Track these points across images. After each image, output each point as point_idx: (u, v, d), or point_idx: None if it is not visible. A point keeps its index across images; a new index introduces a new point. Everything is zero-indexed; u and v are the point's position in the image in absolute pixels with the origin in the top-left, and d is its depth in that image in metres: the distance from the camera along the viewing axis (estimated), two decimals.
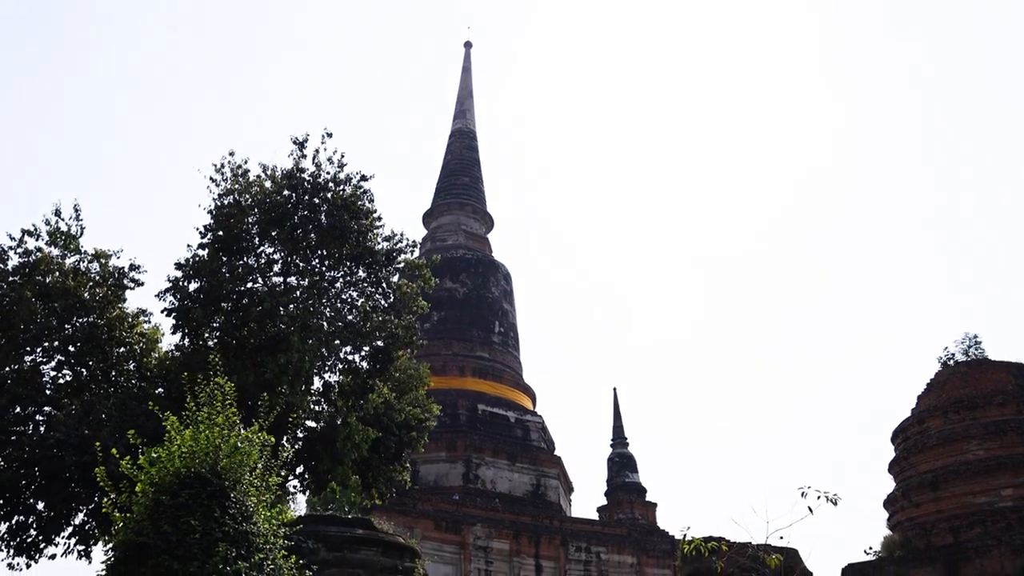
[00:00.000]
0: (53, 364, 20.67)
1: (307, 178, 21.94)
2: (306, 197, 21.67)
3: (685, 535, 7.40)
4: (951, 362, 33.51)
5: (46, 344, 20.45)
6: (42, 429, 19.68)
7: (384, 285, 22.82)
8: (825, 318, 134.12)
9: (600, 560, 43.63)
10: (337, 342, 21.72)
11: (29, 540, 19.70)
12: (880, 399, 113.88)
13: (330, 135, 22.38)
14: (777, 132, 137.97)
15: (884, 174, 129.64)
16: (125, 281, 21.59)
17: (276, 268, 21.92)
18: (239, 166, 22.08)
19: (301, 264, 21.84)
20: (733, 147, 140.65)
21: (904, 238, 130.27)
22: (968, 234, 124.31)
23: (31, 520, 19.74)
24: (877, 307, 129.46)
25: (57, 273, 20.67)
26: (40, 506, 19.53)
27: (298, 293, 21.37)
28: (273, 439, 9.41)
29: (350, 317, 22.22)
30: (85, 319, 20.66)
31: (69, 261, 21.21)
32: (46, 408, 20.17)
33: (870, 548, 31.71)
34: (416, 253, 23.93)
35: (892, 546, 30.39)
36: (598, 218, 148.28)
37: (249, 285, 21.39)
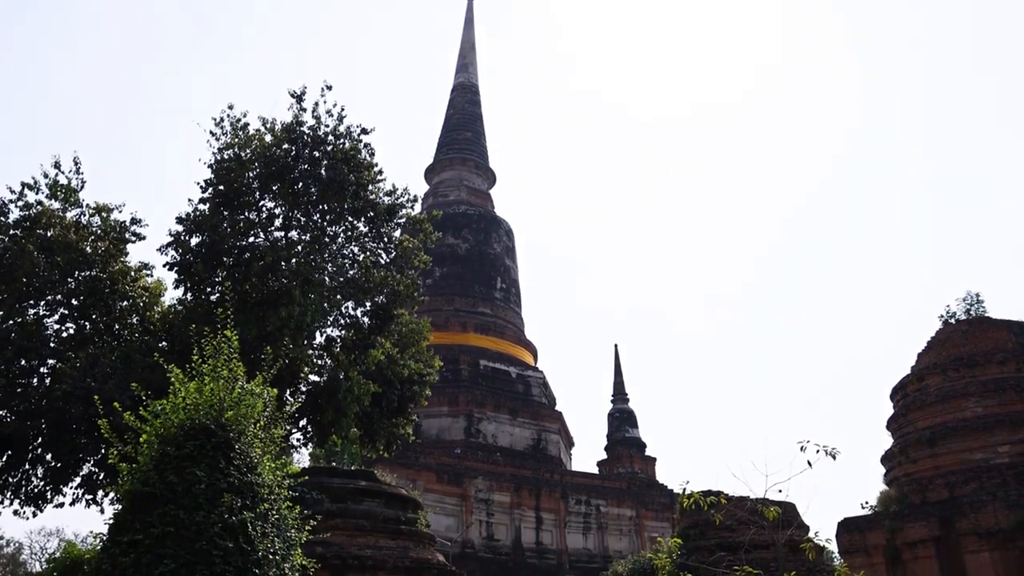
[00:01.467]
0: (56, 317, 20.73)
1: (307, 131, 21.72)
2: (306, 151, 21.48)
3: (685, 489, 7.47)
4: (952, 320, 33.51)
5: (49, 297, 20.47)
6: (47, 381, 19.82)
7: (385, 240, 22.75)
8: (829, 276, 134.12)
9: (600, 513, 44.26)
10: (339, 297, 21.75)
11: (36, 490, 19.98)
12: (881, 357, 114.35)
13: (329, 88, 22.10)
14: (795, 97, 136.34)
15: (895, 128, 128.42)
16: (127, 235, 21.54)
17: (277, 223, 21.84)
18: (238, 119, 21.85)
19: (302, 219, 21.74)
20: (747, 105, 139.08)
21: (912, 196, 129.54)
22: (975, 194, 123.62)
23: (39, 470, 20.00)
24: (880, 265, 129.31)
25: (58, 227, 20.59)
26: (48, 457, 19.77)
27: (299, 248, 21.32)
28: (276, 391, 9.47)
29: (351, 272, 22.21)
30: (87, 272, 20.65)
31: (70, 215, 21.13)
32: (50, 361, 20.27)
33: (866, 503, 32.08)
34: (418, 208, 23.79)
35: (888, 501, 30.71)
36: (603, 170, 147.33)
37: (250, 240, 21.33)
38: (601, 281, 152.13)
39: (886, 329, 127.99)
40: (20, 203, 20.58)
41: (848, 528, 30.74)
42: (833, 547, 33.90)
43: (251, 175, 21.21)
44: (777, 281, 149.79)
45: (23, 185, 20.74)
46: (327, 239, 21.96)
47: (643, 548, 39.72)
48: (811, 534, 17.10)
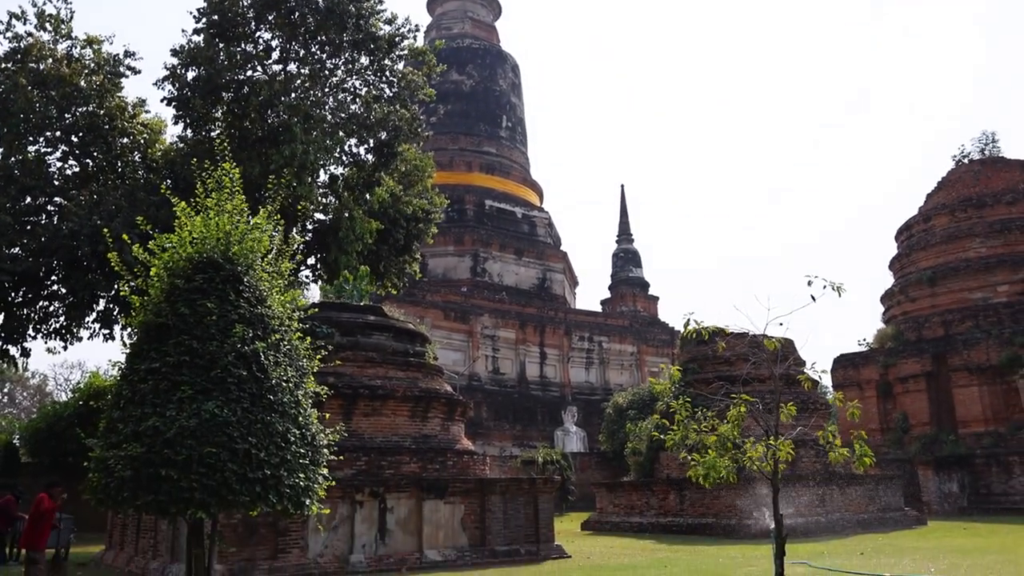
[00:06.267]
0: (58, 155, 20.59)
1: None
2: None
3: (687, 321, 7.55)
4: (965, 160, 32.96)
5: (48, 134, 20.20)
6: (55, 220, 19.92)
7: (387, 73, 22.03)
8: (843, 115, 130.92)
9: (602, 348, 45.64)
10: (341, 133, 21.36)
11: (59, 325, 20.63)
12: (891, 199, 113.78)
13: None
14: None
15: None
16: (120, 68, 20.96)
17: (275, 56, 21.12)
18: None
19: (300, 51, 20.98)
20: None
21: (932, 33, 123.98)
22: (999, 32, 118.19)
23: (57, 307, 20.53)
24: (897, 106, 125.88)
25: (51, 60, 20.01)
26: (64, 292, 20.24)
27: (298, 82, 20.72)
28: (284, 221, 9.47)
29: (353, 107, 21.68)
30: (84, 108, 20.26)
31: (61, 47, 20.48)
32: (56, 199, 20.29)
33: (863, 340, 32.96)
34: (420, 40, 22.87)
35: (884, 338, 31.50)
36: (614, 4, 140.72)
37: (248, 74, 20.70)
38: (609, 119, 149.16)
39: (898, 170, 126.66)
40: (9, 35, 19.93)
41: (843, 363, 31.74)
42: (827, 381, 35.21)
43: (246, 3, 20.29)
44: (788, 120, 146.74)
45: (10, 15, 19.99)
46: (327, 72, 21.30)
47: (643, 382, 41.22)
48: (807, 368, 17.71)
